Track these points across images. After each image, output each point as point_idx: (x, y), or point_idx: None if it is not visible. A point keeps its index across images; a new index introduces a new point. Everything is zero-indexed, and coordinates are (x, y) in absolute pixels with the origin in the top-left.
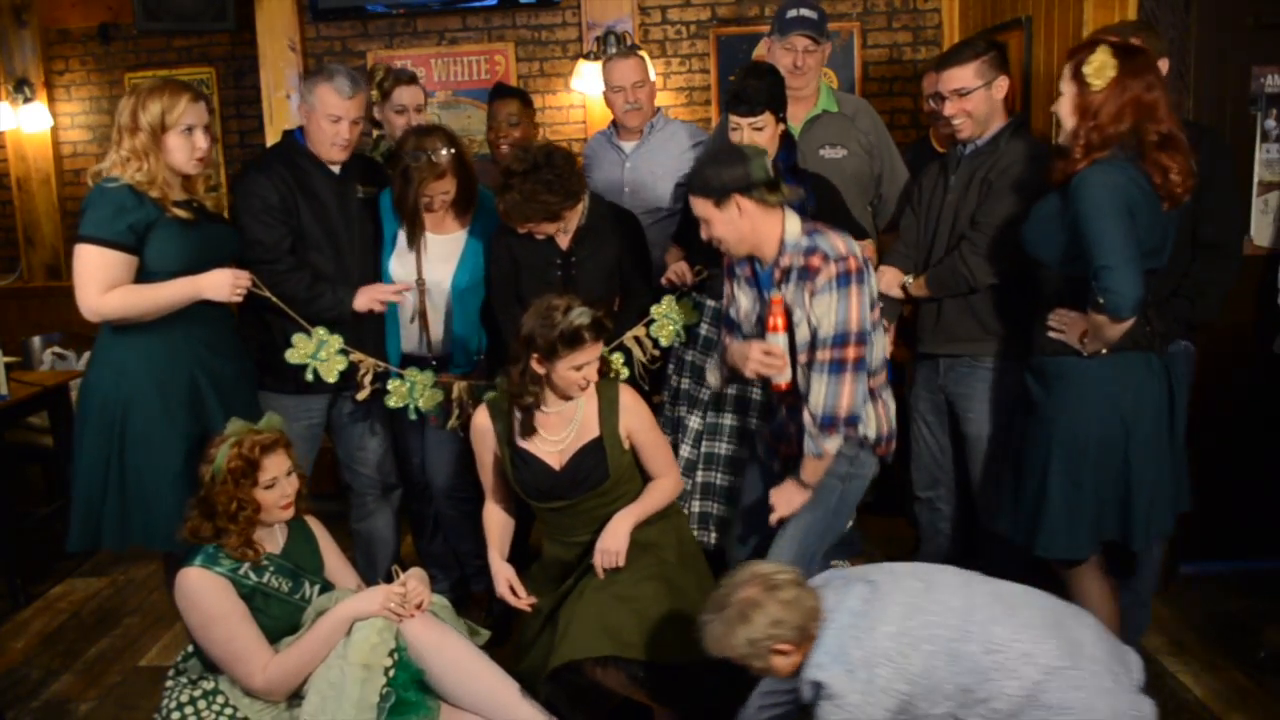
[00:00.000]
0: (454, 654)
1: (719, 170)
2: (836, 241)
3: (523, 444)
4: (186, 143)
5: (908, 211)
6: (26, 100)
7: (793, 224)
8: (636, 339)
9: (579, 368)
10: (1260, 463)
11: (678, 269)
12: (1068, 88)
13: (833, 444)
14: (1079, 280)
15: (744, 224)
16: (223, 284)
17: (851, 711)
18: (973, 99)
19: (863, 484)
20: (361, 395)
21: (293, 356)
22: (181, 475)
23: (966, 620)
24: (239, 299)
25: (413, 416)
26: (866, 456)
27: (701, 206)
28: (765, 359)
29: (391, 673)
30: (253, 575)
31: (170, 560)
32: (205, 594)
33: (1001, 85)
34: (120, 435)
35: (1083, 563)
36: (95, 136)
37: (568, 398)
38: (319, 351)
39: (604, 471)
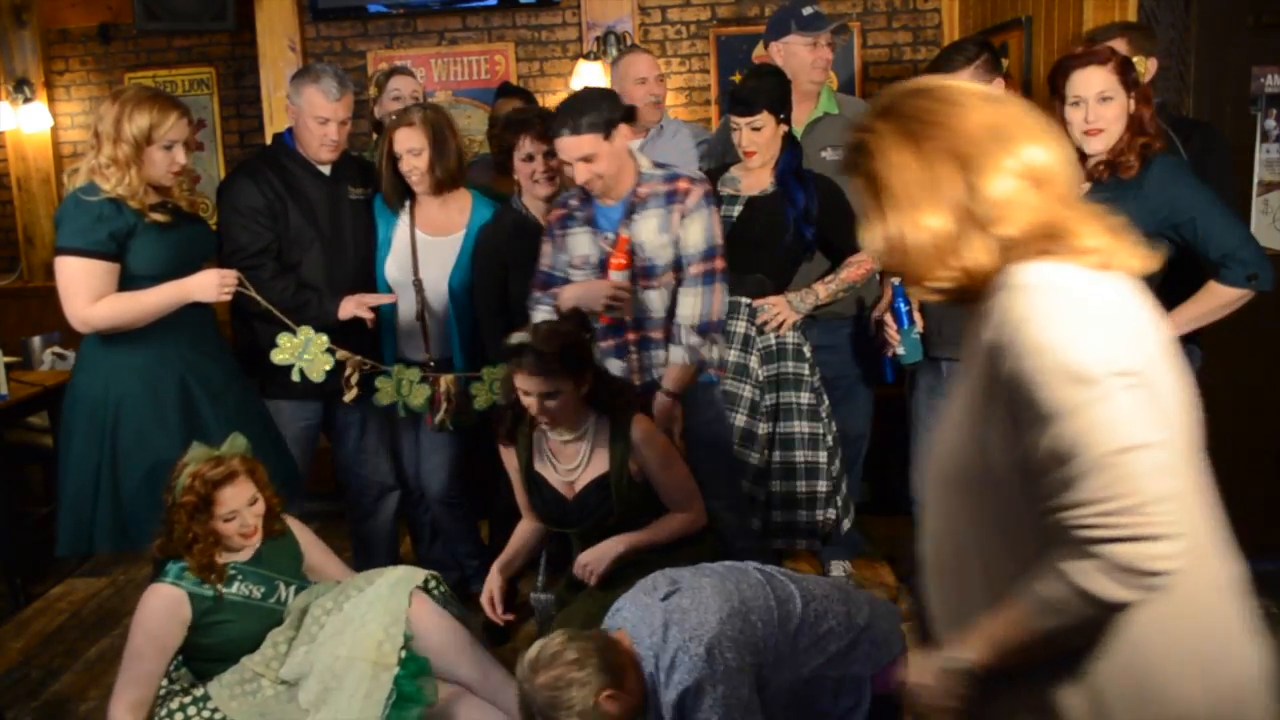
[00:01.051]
0: (454, 637)
1: (600, 105)
2: (690, 168)
3: (538, 469)
4: (166, 158)
5: None
6: (26, 100)
7: (642, 156)
8: None
9: (525, 393)
10: (1259, 463)
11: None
12: (1122, 94)
13: (705, 350)
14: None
15: (623, 153)
16: (210, 285)
17: (725, 702)
18: None
19: (722, 413)
20: (349, 395)
21: (278, 356)
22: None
23: (774, 586)
24: (227, 298)
25: (402, 414)
26: (710, 393)
27: (591, 144)
28: (618, 293)
29: (399, 670)
30: (218, 587)
31: (159, 562)
32: (154, 612)
33: (997, 86)
34: (112, 440)
35: None
36: None
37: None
38: (305, 351)
39: (610, 507)
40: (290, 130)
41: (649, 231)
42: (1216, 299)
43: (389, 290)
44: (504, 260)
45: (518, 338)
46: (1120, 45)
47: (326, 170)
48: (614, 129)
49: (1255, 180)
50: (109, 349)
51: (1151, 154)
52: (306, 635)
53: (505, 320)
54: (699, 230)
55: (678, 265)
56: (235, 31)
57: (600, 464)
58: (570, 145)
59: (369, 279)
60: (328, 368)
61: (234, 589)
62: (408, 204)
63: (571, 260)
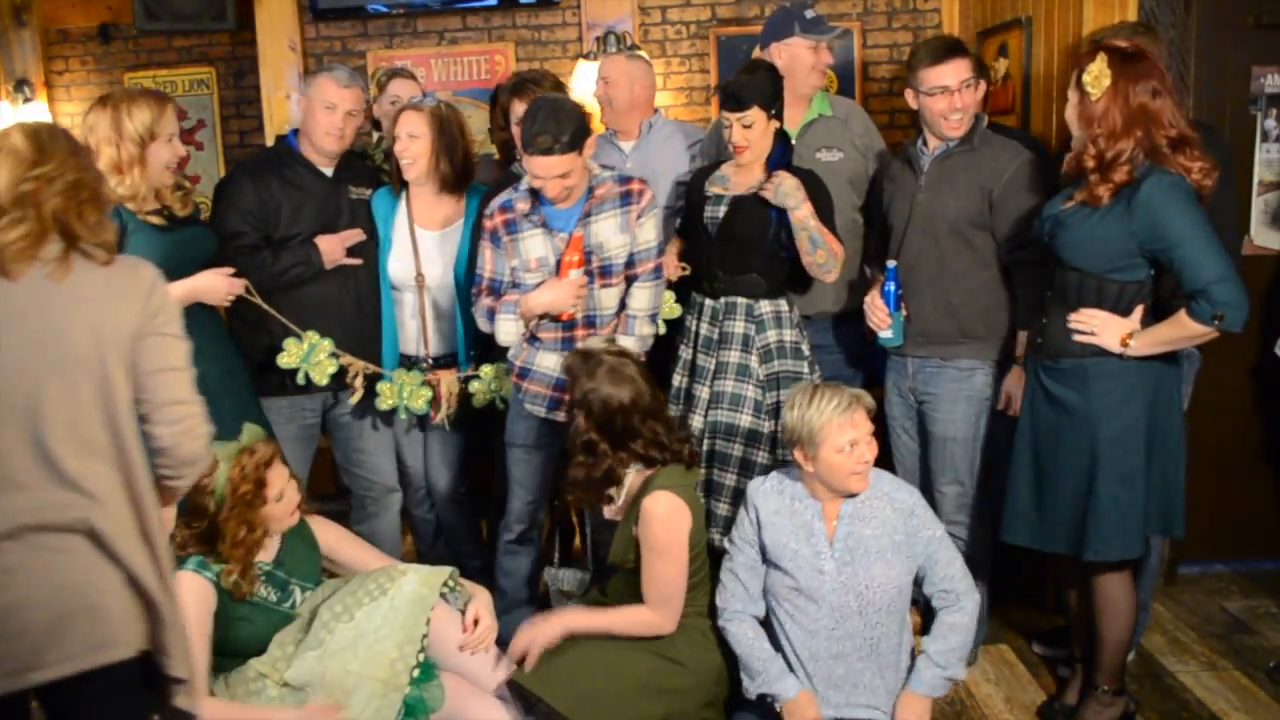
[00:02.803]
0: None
1: (575, 120)
2: (678, 168)
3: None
4: (170, 150)
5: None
6: (26, 100)
7: (591, 161)
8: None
9: None
10: (1260, 463)
11: (664, 263)
12: (1072, 96)
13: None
14: (1125, 285)
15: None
16: (217, 288)
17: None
18: (973, 92)
19: None
20: (355, 398)
21: (284, 361)
22: None
23: None
24: (227, 303)
25: (403, 417)
26: None
27: (569, 162)
28: (582, 291)
29: (409, 690)
30: (241, 585)
31: None
32: (188, 601)
33: (981, 88)
34: None
35: (1127, 565)
36: None
37: None
38: (310, 355)
39: (607, 551)
40: (294, 132)
41: (609, 231)
42: (1184, 330)
43: (392, 290)
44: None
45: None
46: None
47: (329, 171)
48: (585, 142)
49: (1255, 180)
50: None
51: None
52: (314, 640)
53: None
54: (652, 228)
55: (628, 263)
56: (235, 31)
57: (624, 512)
58: (551, 165)
59: (371, 278)
60: (332, 371)
61: (254, 588)
62: (404, 200)
63: (526, 264)
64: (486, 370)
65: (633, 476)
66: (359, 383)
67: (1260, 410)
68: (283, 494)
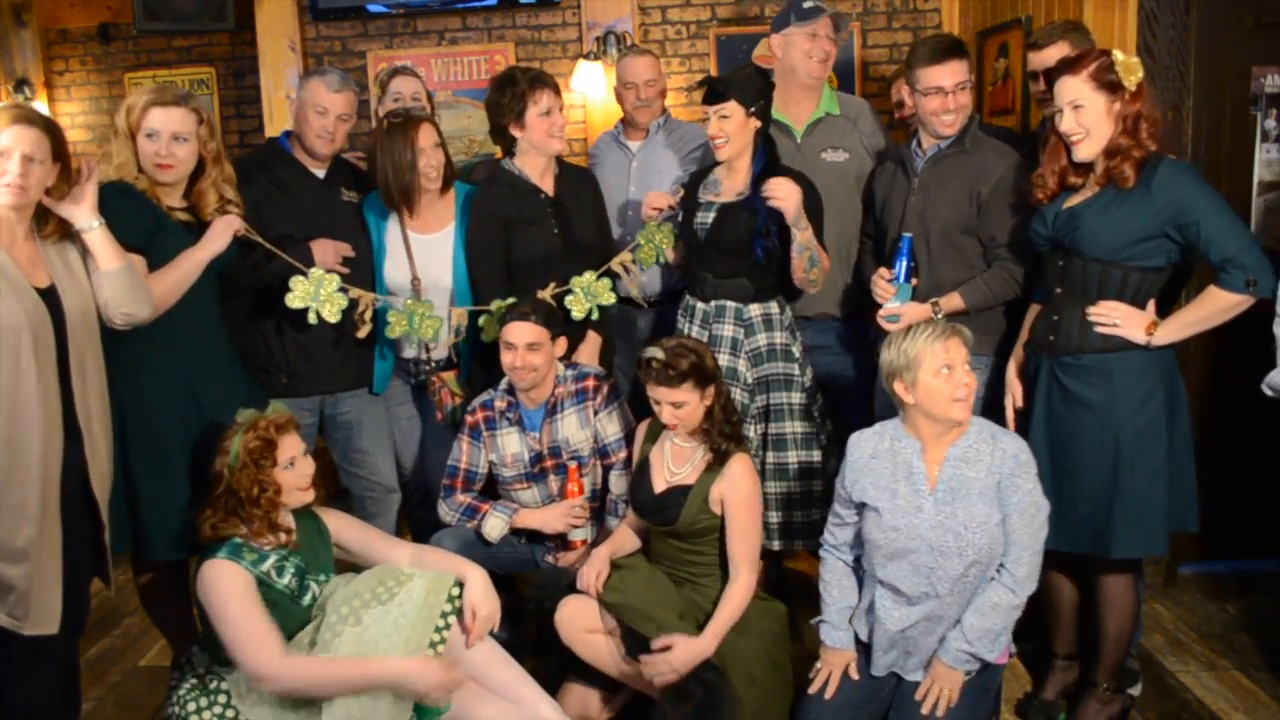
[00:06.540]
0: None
1: (556, 312)
2: (593, 366)
3: (652, 455)
4: (150, 146)
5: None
6: (26, 100)
7: (558, 363)
8: (624, 265)
9: (655, 401)
10: (1260, 463)
11: (653, 199)
12: (1097, 99)
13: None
14: (1146, 273)
15: (554, 359)
16: (219, 234)
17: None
18: (968, 93)
19: None
20: (362, 332)
21: (293, 301)
22: (182, 482)
23: None
24: (229, 239)
25: (414, 340)
26: None
27: (543, 335)
28: (575, 517)
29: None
30: (273, 575)
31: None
32: (225, 579)
33: (968, 92)
34: (119, 446)
35: (1133, 563)
36: (95, 136)
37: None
38: (319, 291)
39: (676, 514)
40: (286, 134)
41: (572, 428)
42: (1216, 304)
43: (390, 295)
44: (504, 220)
45: (650, 352)
46: (1065, 47)
47: (321, 173)
48: (559, 335)
49: (1255, 180)
50: (112, 355)
51: (1151, 156)
52: (322, 643)
53: (509, 284)
54: (616, 423)
55: (602, 453)
56: (235, 31)
57: (693, 476)
58: (525, 330)
59: (366, 280)
60: (342, 306)
61: (282, 578)
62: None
63: (504, 460)
64: (499, 305)
65: (702, 451)
66: (369, 315)
67: (1259, 410)
68: (294, 462)
